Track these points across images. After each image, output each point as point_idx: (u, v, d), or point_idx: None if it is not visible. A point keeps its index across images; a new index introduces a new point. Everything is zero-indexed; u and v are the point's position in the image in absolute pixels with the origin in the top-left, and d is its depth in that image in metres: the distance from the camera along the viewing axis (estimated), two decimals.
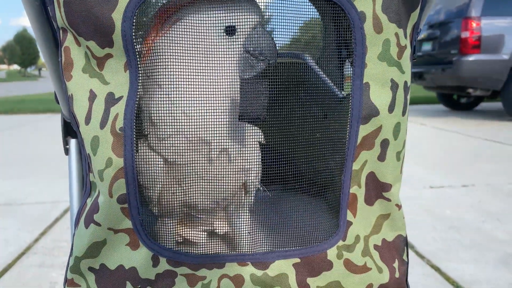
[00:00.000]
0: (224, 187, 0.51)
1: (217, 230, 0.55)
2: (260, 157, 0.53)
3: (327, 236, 0.52)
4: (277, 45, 0.49)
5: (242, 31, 0.48)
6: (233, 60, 0.48)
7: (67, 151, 0.65)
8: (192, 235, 0.55)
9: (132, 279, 0.49)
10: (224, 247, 0.56)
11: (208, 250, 0.51)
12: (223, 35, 0.48)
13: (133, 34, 0.44)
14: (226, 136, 0.49)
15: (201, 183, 0.50)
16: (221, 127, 0.48)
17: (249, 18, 0.47)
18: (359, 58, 0.48)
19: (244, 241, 0.52)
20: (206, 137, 0.48)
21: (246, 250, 0.51)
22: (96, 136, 0.47)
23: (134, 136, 0.46)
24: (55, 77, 0.55)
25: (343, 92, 0.67)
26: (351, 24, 0.47)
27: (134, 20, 0.43)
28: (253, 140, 0.51)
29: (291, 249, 0.51)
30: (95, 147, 0.47)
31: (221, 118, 0.48)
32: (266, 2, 0.49)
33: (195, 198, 0.51)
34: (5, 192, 2.48)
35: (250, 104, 0.47)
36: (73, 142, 0.64)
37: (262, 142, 0.57)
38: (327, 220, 0.54)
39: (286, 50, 0.70)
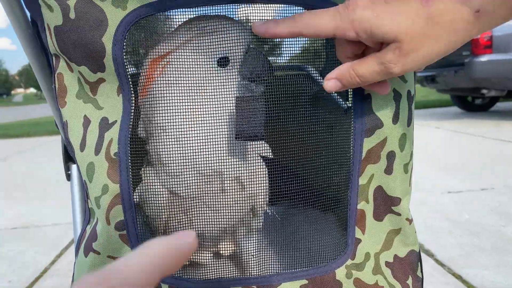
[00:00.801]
0: (233, 214, 0.50)
1: (222, 252, 0.54)
2: (267, 179, 0.51)
3: (335, 255, 0.50)
4: (279, 58, 0.48)
5: (235, 59, 0.47)
6: (232, 89, 0.47)
7: (68, 177, 0.65)
8: (197, 257, 0.54)
9: None
10: (228, 269, 0.54)
11: (212, 275, 0.49)
12: (217, 68, 0.47)
13: (124, 57, 0.43)
14: (236, 165, 0.48)
15: (209, 213, 0.49)
16: (231, 158, 0.47)
17: (239, 44, 0.46)
18: None
19: (249, 264, 0.50)
20: (218, 168, 0.47)
21: (251, 273, 0.49)
22: (91, 162, 0.46)
23: (129, 161, 0.45)
24: (52, 103, 0.55)
25: (347, 103, 0.65)
26: None
27: (124, 43, 0.43)
28: (261, 164, 0.50)
29: (298, 270, 0.49)
30: (91, 173, 0.46)
31: (229, 148, 0.47)
32: (266, 17, 0.48)
33: (203, 227, 0.50)
34: (22, 215, 2.51)
35: (246, 122, 0.46)
36: (74, 167, 0.64)
37: (270, 156, 0.56)
38: (335, 239, 0.52)
39: (288, 63, 0.69)
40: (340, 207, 0.51)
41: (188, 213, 0.49)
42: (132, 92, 0.44)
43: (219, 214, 0.50)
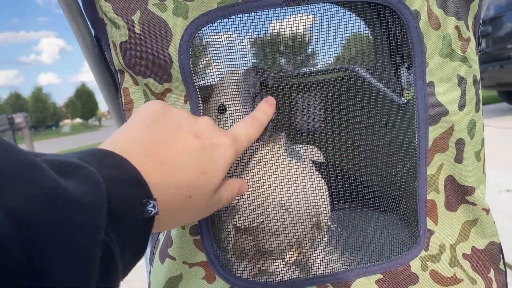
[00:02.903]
0: (297, 233, 0.51)
1: (287, 260, 0.55)
2: (327, 196, 0.52)
3: (408, 247, 0.49)
4: (325, 61, 0.49)
5: (232, 106, 0.48)
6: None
7: None
8: (267, 266, 0.54)
9: None
10: (300, 271, 0.54)
11: (285, 277, 0.49)
12: (218, 115, 0.49)
13: (191, 65, 0.44)
14: (295, 193, 0.49)
15: (273, 235, 0.51)
16: (289, 188, 0.49)
17: (229, 86, 0.48)
18: (418, 57, 0.46)
19: (320, 263, 0.50)
20: (279, 200, 0.49)
21: (323, 272, 0.49)
22: None
23: None
24: (117, 119, 0.57)
25: (402, 98, 0.64)
26: (406, 25, 0.45)
27: (190, 52, 0.44)
28: (321, 182, 0.51)
29: (371, 264, 0.48)
30: None
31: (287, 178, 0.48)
32: (310, 23, 0.48)
33: (269, 247, 0.52)
34: None
35: (305, 118, 0.46)
36: None
37: (321, 161, 0.56)
38: (405, 231, 0.51)
39: (336, 65, 0.69)
40: (409, 199, 0.50)
41: (255, 237, 0.51)
42: (200, 99, 0.45)
43: (283, 235, 0.51)
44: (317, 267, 0.50)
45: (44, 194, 0.22)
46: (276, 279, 0.49)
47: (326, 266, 0.49)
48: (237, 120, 0.47)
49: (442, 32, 0.45)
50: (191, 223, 0.46)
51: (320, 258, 0.50)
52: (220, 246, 0.50)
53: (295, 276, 0.49)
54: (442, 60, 0.46)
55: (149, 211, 0.29)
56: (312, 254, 0.55)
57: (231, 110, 0.48)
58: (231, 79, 0.48)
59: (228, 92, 0.48)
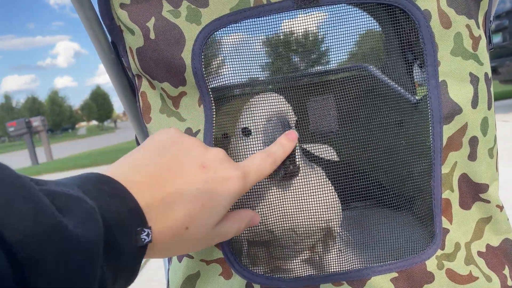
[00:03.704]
0: (308, 240, 0.52)
1: (300, 258, 0.56)
2: (339, 205, 0.52)
3: (424, 246, 0.49)
4: (337, 60, 0.49)
5: (256, 130, 0.49)
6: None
7: None
8: (283, 264, 0.55)
9: None
10: (315, 269, 0.55)
11: (300, 274, 0.50)
12: (242, 137, 0.49)
13: (203, 69, 0.45)
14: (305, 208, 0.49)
15: (286, 248, 0.52)
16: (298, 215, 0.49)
17: (259, 116, 0.48)
18: (430, 56, 0.46)
19: (335, 261, 0.50)
20: (289, 226, 0.50)
21: (338, 269, 0.49)
22: None
23: None
24: (135, 122, 0.58)
25: (415, 97, 0.64)
26: (417, 24, 0.46)
27: (202, 57, 0.45)
28: (331, 193, 0.51)
29: (387, 263, 0.48)
30: None
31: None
32: (321, 21, 0.49)
33: (281, 255, 0.53)
34: None
35: (320, 120, 0.47)
36: None
37: (336, 159, 0.56)
38: (420, 231, 0.51)
39: (348, 64, 0.69)
40: (424, 198, 0.50)
41: (267, 245, 0.52)
42: (213, 101, 0.47)
43: (294, 246, 0.52)
44: (332, 265, 0.51)
45: (45, 232, 0.22)
46: (292, 275, 0.50)
47: (341, 264, 0.50)
48: (258, 146, 0.48)
49: (453, 31, 0.46)
50: None
51: (334, 256, 0.51)
52: (235, 251, 0.51)
53: (310, 273, 0.50)
54: (454, 58, 0.46)
55: (143, 239, 0.30)
56: (327, 253, 0.55)
57: (255, 135, 0.49)
58: (257, 105, 0.49)
59: (253, 117, 0.49)
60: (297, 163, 0.45)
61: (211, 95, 0.47)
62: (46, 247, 0.22)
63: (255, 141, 0.48)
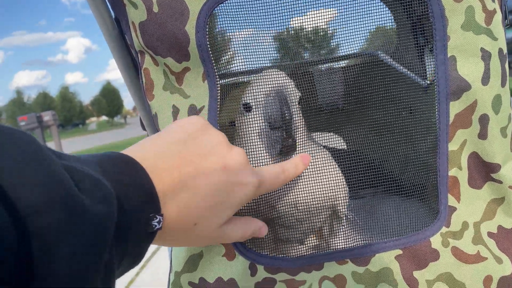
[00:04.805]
0: (314, 224, 0.52)
1: (306, 244, 0.55)
2: (345, 185, 0.52)
3: (427, 222, 0.48)
4: (351, 49, 0.48)
5: (257, 105, 0.49)
6: (255, 132, 0.49)
7: None
8: (287, 247, 0.55)
9: None
10: (320, 246, 0.54)
11: (305, 251, 0.49)
12: (244, 113, 0.50)
13: (208, 42, 0.44)
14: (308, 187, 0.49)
15: (291, 229, 0.52)
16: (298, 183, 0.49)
17: (259, 91, 0.48)
18: (439, 31, 0.45)
19: (340, 238, 0.49)
20: (291, 201, 0.49)
21: (342, 246, 0.48)
22: None
23: None
24: (137, 101, 0.57)
25: (426, 81, 0.63)
26: None
27: (207, 29, 0.44)
28: (338, 172, 0.50)
29: (391, 239, 0.48)
30: None
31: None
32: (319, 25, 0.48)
33: (286, 237, 0.53)
34: None
35: (327, 94, 0.46)
36: None
37: (344, 148, 0.56)
38: (425, 209, 0.50)
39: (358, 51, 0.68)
40: (429, 175, 0.49)
41: (270, 226, 0.52)
42: (217, 76, 0.45)
43: (299, 227, 0.51)
44: (335, 243, 0.50)
45: (57, 201, 0.22)
46: (296, 253, 0.49)
47: (345, 241, 0.49)
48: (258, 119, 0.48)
49: (465, 5, 0.44)
50: None
51: (339, 234, 0.50)
52: None
53: (314, 251, 0.49)
54: (464, 33, 0.45)
55: (153, 226, 0.30)
56: (333, 236, 0.54)
57: (255, 110, 0.48)
58: (259, 81, 0.49)
59: (254, 92, 0.48)
60: (294, 137, 0.45)
61: (216, 70, 0.46)
62: (58, 216, 0.21)
63: (256, 116, 0.48)
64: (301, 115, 0.50)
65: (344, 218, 0.53)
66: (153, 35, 0.45)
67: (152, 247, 2.24)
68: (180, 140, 0.34)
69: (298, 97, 0.50)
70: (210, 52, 0.45)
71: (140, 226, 0.29)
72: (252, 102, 0.49)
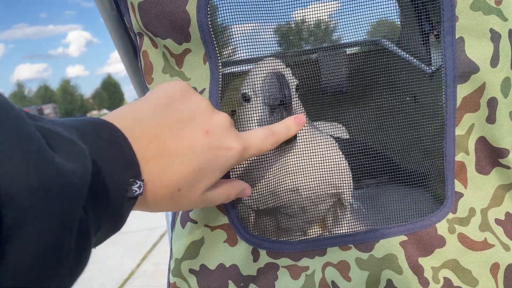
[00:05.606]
0: (317, 212, 0.51)
1: (309, 233, 0.54)
2: (349, 172, 0.51)
3: (433, 208, 0.47)
4: (355, 36, 0.47)
5: (255, 94, 0.48)
6: (256, 120, 0.48)
7: None
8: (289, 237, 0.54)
9: (234, 278, 0.47)
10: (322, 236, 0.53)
11: (308, 236, 0.48)
12: (243, 103, 0.49)
13: (209, 22, 0.43)
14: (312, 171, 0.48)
15: (294, 217, 0.51)
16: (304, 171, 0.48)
17: (256, 80, 0.48)
18: (447, 11, 0.44)
19: (342, 225, 0.49)
20: (293, 186, 0.49)
21: (346, 231, 0.48)
22: None
23: None
24: (136, 84, 0.56)
25: (431, 67, 0.62)
26: None
27: (208, 9, 0.43)
28: (342, 159, 0.50)
29: (395, 225, 0.46)
30: None
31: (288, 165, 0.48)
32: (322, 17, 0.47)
33: (289, 226, 0.52)
34: None
35: (331, 76, 0.45)
36: None
37: (346, 137, 0.55)
38: (431, 195, 0.49)
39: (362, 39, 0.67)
40: (435, 160, 0.48)
41: (272, 215, 0.51)
42: (219, 58, 0.44)
43: (302, 215, 0.50)
44: (339, 228, 0.49)
45: (27, 159, 0.21)
46: (298, 237, 0.48)
47: (348, 226, 0.48)
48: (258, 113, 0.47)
49: None
50: None
51: (342, 221, 0.49)
52: (242, 219, 0.49)
53: (317, 236, 0.48)
54: (473, 13, 0.43)
55: (134, 191, 0.29)
56: (337, 224, 0.54)
57: (254, 99, 0.48)
58: (255, 71, 0.48)
59: (253, 84, 0.48)
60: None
61: (217, 51, 0.44)
62: (26, 172, 0.20)
63: (255, 105, 0.47)
64: (299, 102, 0.49)
65: (348, 206, 0.52)
66: (152, 16, 0.44)
67: (153, 238, 2.24)
68: (161, 106, 0.34)
69: (295, 84, 0.49)
70: (212, 33, 0.44)
71: (119, 190, 0.28)
72: (250, 92, 0.48)
